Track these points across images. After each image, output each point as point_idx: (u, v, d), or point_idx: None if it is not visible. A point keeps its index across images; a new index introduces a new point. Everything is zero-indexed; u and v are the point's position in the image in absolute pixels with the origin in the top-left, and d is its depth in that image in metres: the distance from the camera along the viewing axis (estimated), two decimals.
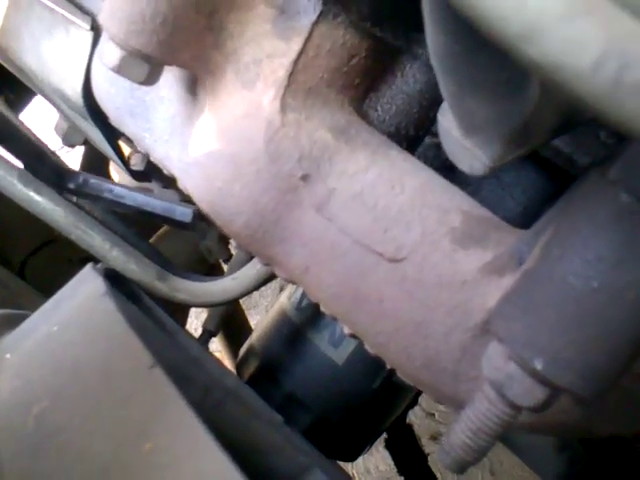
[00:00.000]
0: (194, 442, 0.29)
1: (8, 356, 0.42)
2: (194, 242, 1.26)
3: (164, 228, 1.22)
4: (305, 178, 0.47)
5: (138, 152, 0.95)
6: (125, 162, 0.81)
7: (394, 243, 0.45)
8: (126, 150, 0.88)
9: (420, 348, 0.45)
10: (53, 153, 0.64)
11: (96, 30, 0.59)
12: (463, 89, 0.35)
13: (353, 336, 0.52)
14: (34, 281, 1.08)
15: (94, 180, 0.56)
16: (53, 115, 0.79)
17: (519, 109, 0.38)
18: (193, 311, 1.99)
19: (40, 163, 0.58)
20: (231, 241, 1.34)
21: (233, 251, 1.31)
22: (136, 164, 0.93)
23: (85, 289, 0.40)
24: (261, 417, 0.51)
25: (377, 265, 0.46)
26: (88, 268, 0.46)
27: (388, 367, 0.51)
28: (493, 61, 0.34)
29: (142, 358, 0.32)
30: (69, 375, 0.34)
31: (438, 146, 0.67)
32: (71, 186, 0.56)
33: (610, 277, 0.33)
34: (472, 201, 0.48)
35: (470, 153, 0.41)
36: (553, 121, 0.40)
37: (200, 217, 0.55)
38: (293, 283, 0.54)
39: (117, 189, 0.57)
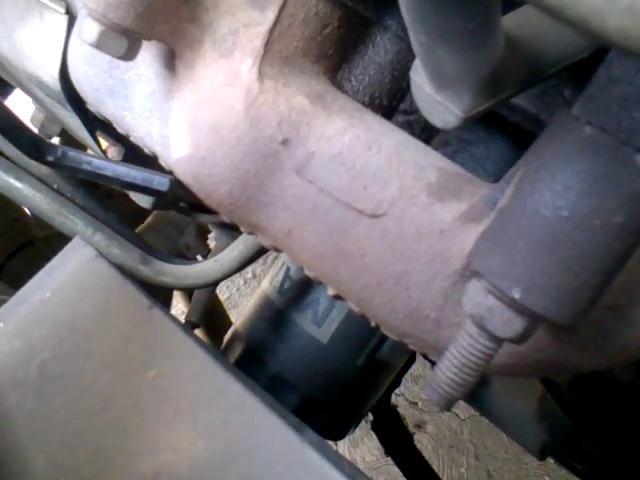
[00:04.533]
0: (197, 366, 0.30)
1: (2, 325, 0.43)
2: (172, 238, 1.27)
3: (141, 225, 1.23)
4: (285, 142, 0.49)
5: (115, 145, 0.96)
6: (103, 152, 0.82)
7: (374, 199, 0.47)
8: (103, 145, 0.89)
9: (402, 299, 0.47)
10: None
11: (71, 14, 0.60)
12: (433, 39, 0.37)
13: (337, 297, 0.53)
14: (13, 283, 1.07)
15: (73, 152, 0.57)
16: (29, 108, 0.80)
17: (487, 60, 0.40)
18: None
19: (19, 135, 0.58)
20: (209, 237, 1.35)
21: (211, 247, 1.32)
22: (113, 157, 0.94)
23: (76, 256, 0.41)
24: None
25: (358, 221, 0.47)
26: (76, 239, 0.46)
27: (372, 324, 0.52)
28: (460, 10, 0.36)
29: (140, 301, 0.33)
30: (68, 328, 0.35)
31: (410, 124, 0.69)
32: (50, 158, 0.57)
33: (578, 205, 0.35)
34: (446, 159, 0.50)
35: (442, 107, 0.43)
36: (519, 72, 0.42)
37: (177, 187, 0.57)
38: (277, 251, 0.56)
39: (96, 161, 0.58)
